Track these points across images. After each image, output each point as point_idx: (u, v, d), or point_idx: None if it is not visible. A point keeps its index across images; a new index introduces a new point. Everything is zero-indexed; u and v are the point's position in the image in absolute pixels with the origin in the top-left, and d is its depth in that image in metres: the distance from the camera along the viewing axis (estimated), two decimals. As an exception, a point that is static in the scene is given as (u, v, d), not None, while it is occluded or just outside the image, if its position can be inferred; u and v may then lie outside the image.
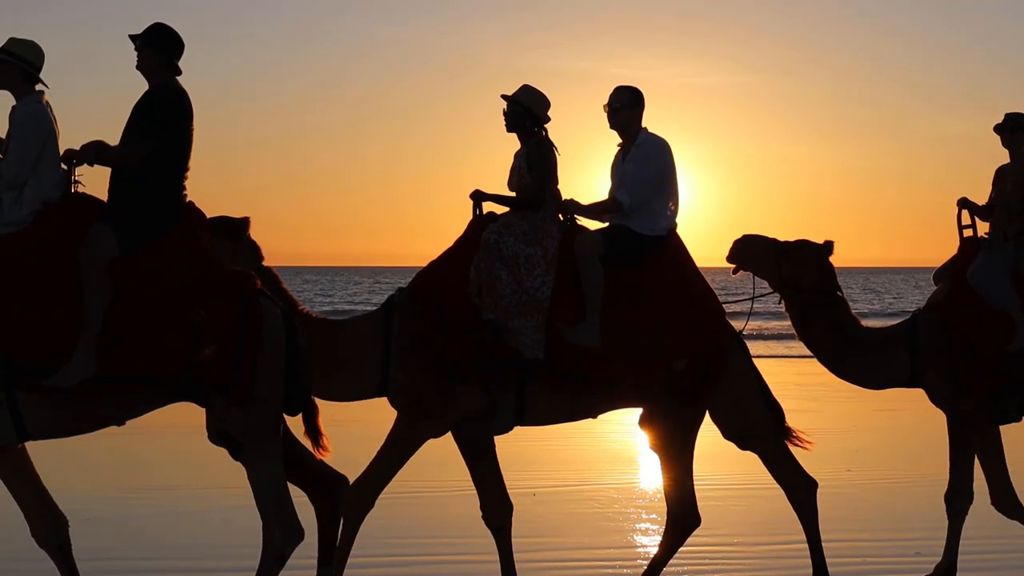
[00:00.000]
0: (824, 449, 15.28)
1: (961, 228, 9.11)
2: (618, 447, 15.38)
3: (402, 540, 10.18)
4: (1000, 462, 8.86)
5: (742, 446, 8.51)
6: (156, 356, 6.89)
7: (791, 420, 17.85)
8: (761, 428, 8.47)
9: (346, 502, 7.65)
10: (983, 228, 9.08)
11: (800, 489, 8.50)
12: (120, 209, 7.02)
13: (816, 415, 18.97)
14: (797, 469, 8.53)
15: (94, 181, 7.16)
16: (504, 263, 7.90)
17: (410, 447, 8.05)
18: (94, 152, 7.00)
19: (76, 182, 7.11)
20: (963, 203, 9.08)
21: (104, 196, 7.15)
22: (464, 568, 9.45)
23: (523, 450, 14.55)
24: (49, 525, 7.10)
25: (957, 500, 8.80)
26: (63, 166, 7.06)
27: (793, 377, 24.33)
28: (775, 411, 8.54)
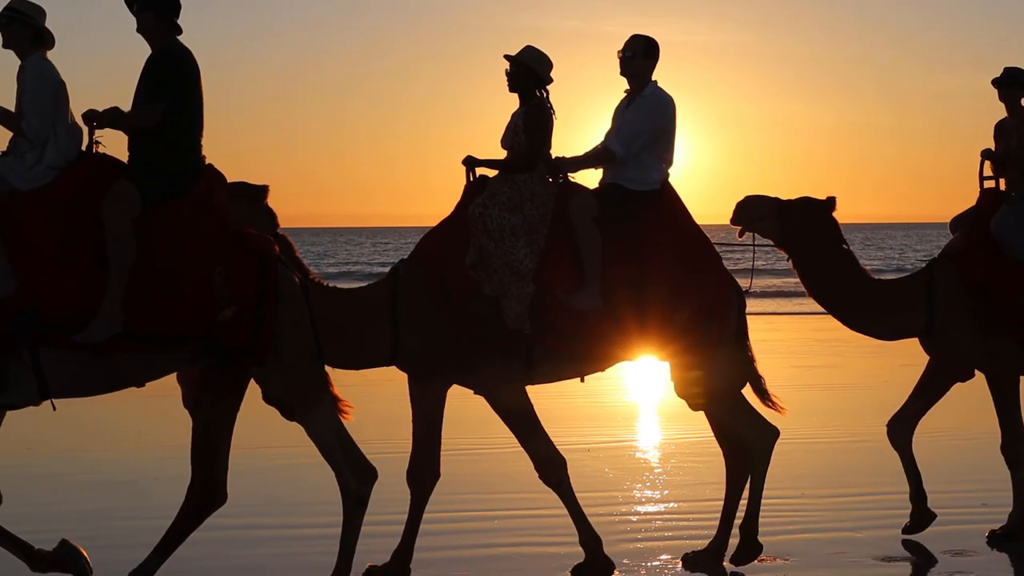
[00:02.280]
0: (860, 404, 15.59)
1: (982, 179, 9.17)
2: (667, 404, 15.56)
3: (467, 496, 10.33)
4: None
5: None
6: (178, 315, 6.99)
7: (818, 376, 18.04)
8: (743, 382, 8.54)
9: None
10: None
11: (740, 455, 8.55)
12: (140, 168, 7.12)
13: (843, 370, 19.17)
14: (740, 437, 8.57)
15: (111, 142, 7.28)
16: (490, 236, 7.97)
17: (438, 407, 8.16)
18: (112, 118, 7.11)
19: (96, 142, 7.21)
20: (986, 154, 9.13)
21: (122, 156, 7.26)
22: (530, 523, 9.56)
23: (568, 407, 14.75)
24: None
25: (1013, 450, 8.97)
26: (83, 126, 7.17)
27: (812, 333, 24.45)
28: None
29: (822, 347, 21.48)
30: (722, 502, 8.54)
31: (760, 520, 9.47)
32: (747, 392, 8.50)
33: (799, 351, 21.48)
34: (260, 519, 9.59)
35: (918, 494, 9.02)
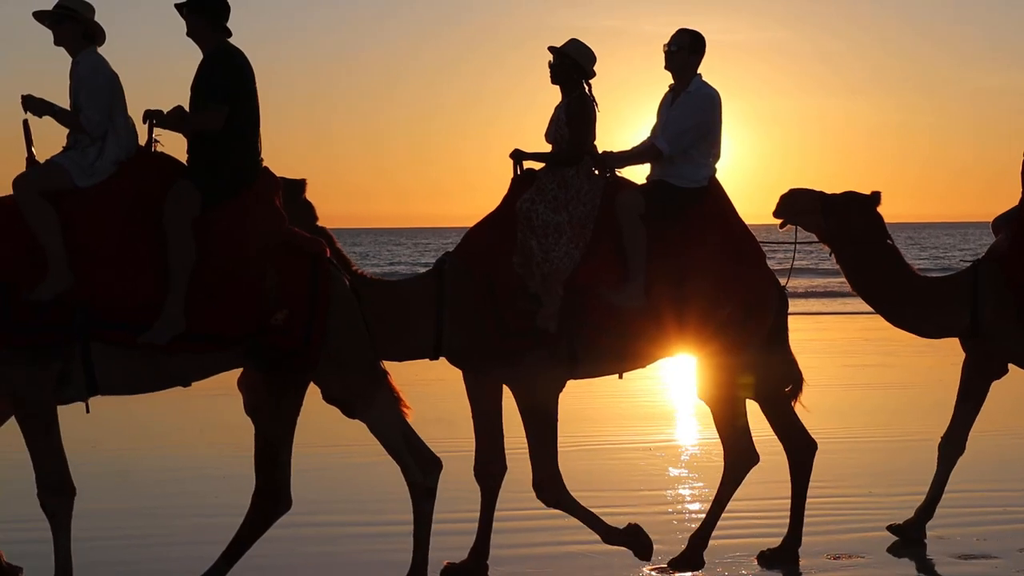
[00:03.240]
0: (916, 403, 15.51)
1: None
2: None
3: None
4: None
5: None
6: (232, 316, 6.98)
7: (872, 375, 17.94)
8: (784, 382, 8.54)
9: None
10: None
11: (802, 450, 8.55)
12: (200, 168, 7.13)
13: (896, 369, 19.06)
14: (803, 429, 8.59)
15: (168, 141, 7.28)
16: (534, 233, 7.95)
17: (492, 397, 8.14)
18: (177, 119, 7.13)
19: (155, 140, 7.22)
20: None
21: (179, 155, 7.28)
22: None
23: (621, 406, 14.73)
24: None
25: None
26: (143, 124, 7.19)
27: (860, 333, 24.37)
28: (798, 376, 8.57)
29: (871, 346, 21.38)
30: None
31: (831, 518, 9.41)
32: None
33: (850, 350, 21.40)
34: (332, 516, 9.59)
35: (927, 510, 8.91)
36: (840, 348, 21.63)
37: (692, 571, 8.09)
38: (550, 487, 7.92)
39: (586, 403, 14.67)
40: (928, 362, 19.17)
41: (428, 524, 7.44)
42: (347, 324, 7.19)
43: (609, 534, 7.97)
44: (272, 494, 7.38)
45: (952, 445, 8.96)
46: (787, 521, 8.54)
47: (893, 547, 8.75)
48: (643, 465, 11.67)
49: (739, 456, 8.25)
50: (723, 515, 9.11)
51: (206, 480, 11.07)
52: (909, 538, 8.84)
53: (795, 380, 8.60)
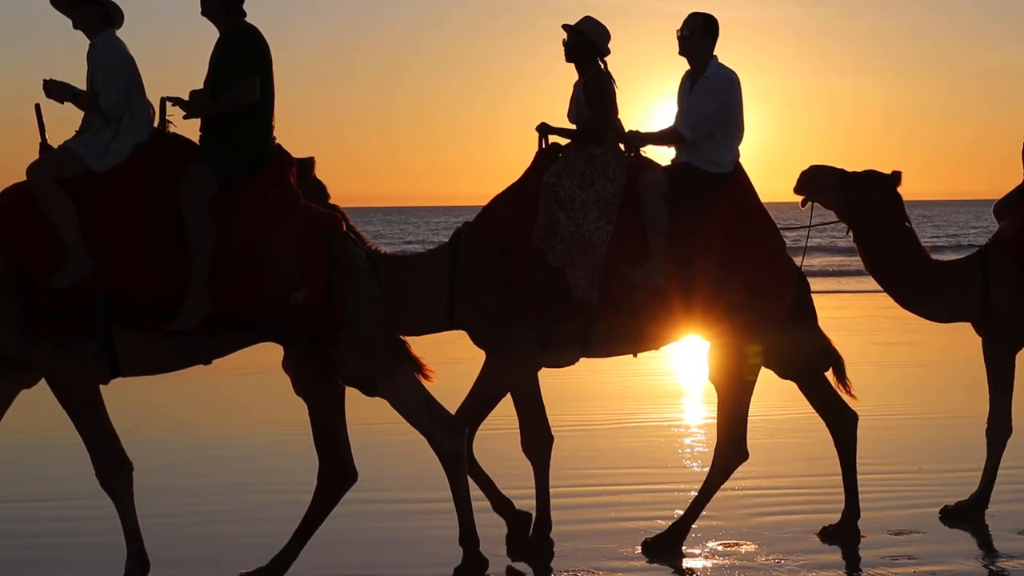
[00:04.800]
0: (948, 381, 15.62)
1: None
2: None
3: (587, 472, 10.41)
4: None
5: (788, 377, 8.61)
6: (252, 296, 6.99)
7: (900, 354, 18.00)
8: (819, 364, 8.61)
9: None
10: None
11: (843, 422, 8.64)
12: (214, 148, 7.11)
13: (923, 347, 19.10)
14: (842, 401, 8.68)
15: (182, 123, 7.27)
16: (561, 207, 7.98)
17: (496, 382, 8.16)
18: (203, 102, 7.11)
19: (168, 122, 7.23)
20: None
21: (192, 135, 7.27)
22: (659, 497, 9.63)
23: (667, 385, 14.84)
24: None
25: None
26: (156, 106, 7.20)
27: (880, 311, 24.34)
28: (833, 354, 8.65)
29: (894, 324, 21.33)
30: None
31: (885, 494, 9.54)
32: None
33: (874, 328, 21.45)
34: (397, 492, 9.67)
35: (981, 497, 8.97)
36: (862, 326, 21.67)
37: (664, 554, 8.09)
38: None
39: (635, 381, 14.93)
40: (953, 340, 19.14)
41: (465, 487, 7.45)
42: (366, 299, 7.19)
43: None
44: (337, 470, 7.48)
45: (998, 428, 9.01)
46: (831, 495, 8.62)
47: (950, 522, 8.84)
48: (682, 443, 11.80)
49: (730, 447, 8.26)
50: (779, 492, 9.23)
51: (266, 457, 11.18)
52: (964, 519, 8.91)
53: (831, 357, 8.67)
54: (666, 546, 8.16)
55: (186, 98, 7.17)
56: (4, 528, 8.82)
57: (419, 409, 7.33)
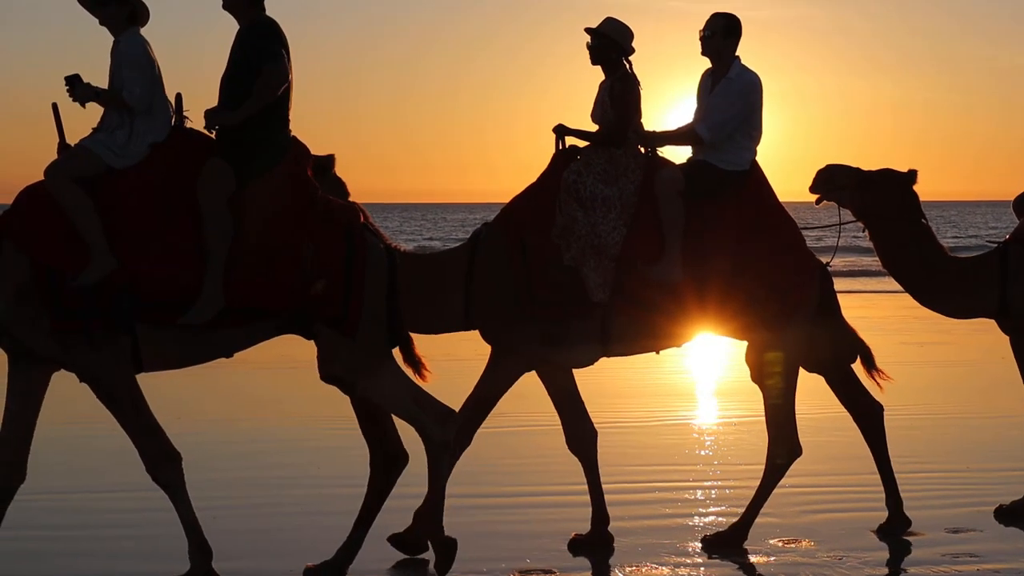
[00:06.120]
0: (984, 381, 15.61)
1: None
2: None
3: (633, 468, 10.41)
4: None
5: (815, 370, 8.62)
6: (271, 289, 7.02)
7: (932, 354, 18.03)
8: (845, 356, 8.61)
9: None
10: None
11: (869, 415, 8.66)
12: (232, 143, 7.09)
13: (956, 347, 19.11)
14: (868, 394, 8.70)
15: (198, 119, 7.26)
16: (581, 204, 8.00)
17: (503, 383, 8.13)
18: (232, 114, 7.04)
19: (185, 117, 7.26)
20: None
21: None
22: (721, 495, 9.70)
23: (696, 383, 14.85)
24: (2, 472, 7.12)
25: None
26: (172, 102, 7.22)
27: (906, 311, 24.31)
28: (860, 345, 8.65)
29: (922, 324, 21.27)
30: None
31: (937, 492, 9.54)
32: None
33: (903, 328, 21.41)
34: (489, 488, 9.71)
35: None
36: (891, 326, 21.63)
37: (726, 550, 8.11)
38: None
39: (668, 379, 14.94)
40: (983, 340, 19.20)
41: (445, 477, 7.45)
42: (375, 294, 7.18)
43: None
44: (385, 455, 7.47)
45: None
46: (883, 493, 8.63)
47: (1005, 521, 8.85)
48: (731, 440, 11.82)
49: (782, 445, 8.28)
50: (830, 490, 9.23)
51: (312, 452, 11.22)
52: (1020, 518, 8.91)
53: (858, 348, 8.67)
54: (727, 543, 8.18)
55: (199, 109, 7.18)
56: (51, 519, 8.82)
57: (404, 401, 7.29)
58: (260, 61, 7.04)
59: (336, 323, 7.08)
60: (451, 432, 7.34)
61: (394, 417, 7.45)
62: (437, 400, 7.37)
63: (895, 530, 8.51)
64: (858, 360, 8.74)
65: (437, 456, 7.35)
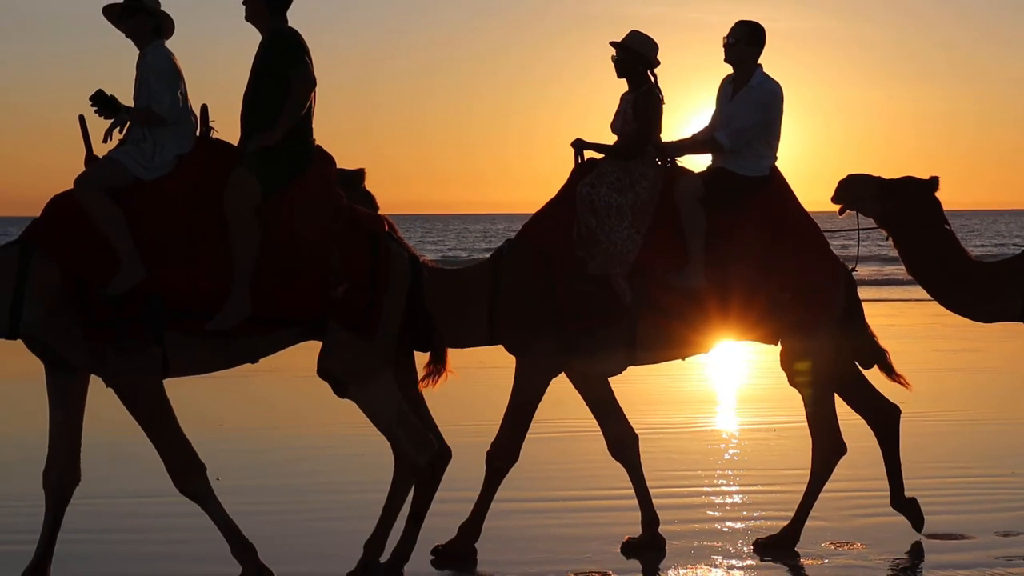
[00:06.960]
0: (1019, 386, 15.61)
1: None
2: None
3: (676, 473, 10.41)
4: None
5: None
6: (298, 297, 7.08)
7: (965, 360, 17.98)
8: (865, 360, 8.59)
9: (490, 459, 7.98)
10: None
11: (885, 417, 8.61)
12: (257, 154, 7.13)
13: (987, 354, 19.06)
14: (883, 397, 8.66)
15: (224, 128, 7.35)
16: (595, 215, 8.02)
17: (534, 393, 8.12)
18: (267, 133, 7.08)
19: (211, 127, 7.30)
20: None
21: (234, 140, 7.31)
22: (756, 499, 9.67)
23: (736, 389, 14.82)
24: (62, 477, 7.18)
25: None
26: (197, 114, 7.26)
27: (935, 318, 24.24)
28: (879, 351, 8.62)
29: (952, 331, 21.27)
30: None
31: (983, 496, 9.50)
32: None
33: (932, 335, 21.39)
34: (540, 492, 9.71)
35: None
36: (920, 333, 21.62)
37: (780, 554, 8.09)
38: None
39: (709, 386, 14.94)
40: (1014, 346, 19.22)
41: (403, 501, 7.41)
42: (395, 303, 7.23)
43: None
44: (415, 458, 7.40)
45: None
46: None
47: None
48: (770, 445, 11.80)
49: (826, 446, 8.30)
50: (875, 494, 9.17)
51: (335, 459, 11.23)
52: None
53: (877, 353, 8.65)
54: (780, 545, 8.17)
55: (224, 120, 7.30)
56: (97, 523, 8.83)
57: (388, 419, 7.30)
58: (284, 70, 7.10)
59: (355, 328, 7.13)
60: (424, 460, 7.35)
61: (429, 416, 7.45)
62: (420, 426, 7.41)
63: (911, 515, 8.49)
64: (874, 366, 8.74)
65: (403, 477, 7.37)
